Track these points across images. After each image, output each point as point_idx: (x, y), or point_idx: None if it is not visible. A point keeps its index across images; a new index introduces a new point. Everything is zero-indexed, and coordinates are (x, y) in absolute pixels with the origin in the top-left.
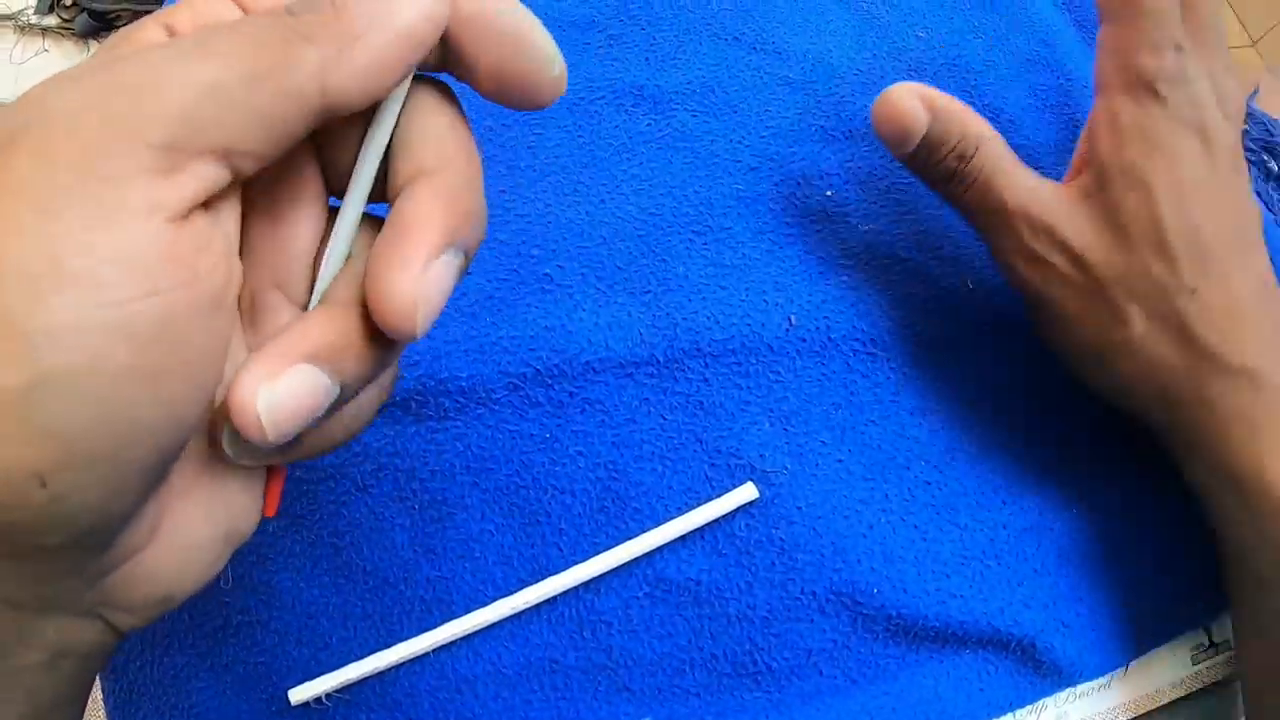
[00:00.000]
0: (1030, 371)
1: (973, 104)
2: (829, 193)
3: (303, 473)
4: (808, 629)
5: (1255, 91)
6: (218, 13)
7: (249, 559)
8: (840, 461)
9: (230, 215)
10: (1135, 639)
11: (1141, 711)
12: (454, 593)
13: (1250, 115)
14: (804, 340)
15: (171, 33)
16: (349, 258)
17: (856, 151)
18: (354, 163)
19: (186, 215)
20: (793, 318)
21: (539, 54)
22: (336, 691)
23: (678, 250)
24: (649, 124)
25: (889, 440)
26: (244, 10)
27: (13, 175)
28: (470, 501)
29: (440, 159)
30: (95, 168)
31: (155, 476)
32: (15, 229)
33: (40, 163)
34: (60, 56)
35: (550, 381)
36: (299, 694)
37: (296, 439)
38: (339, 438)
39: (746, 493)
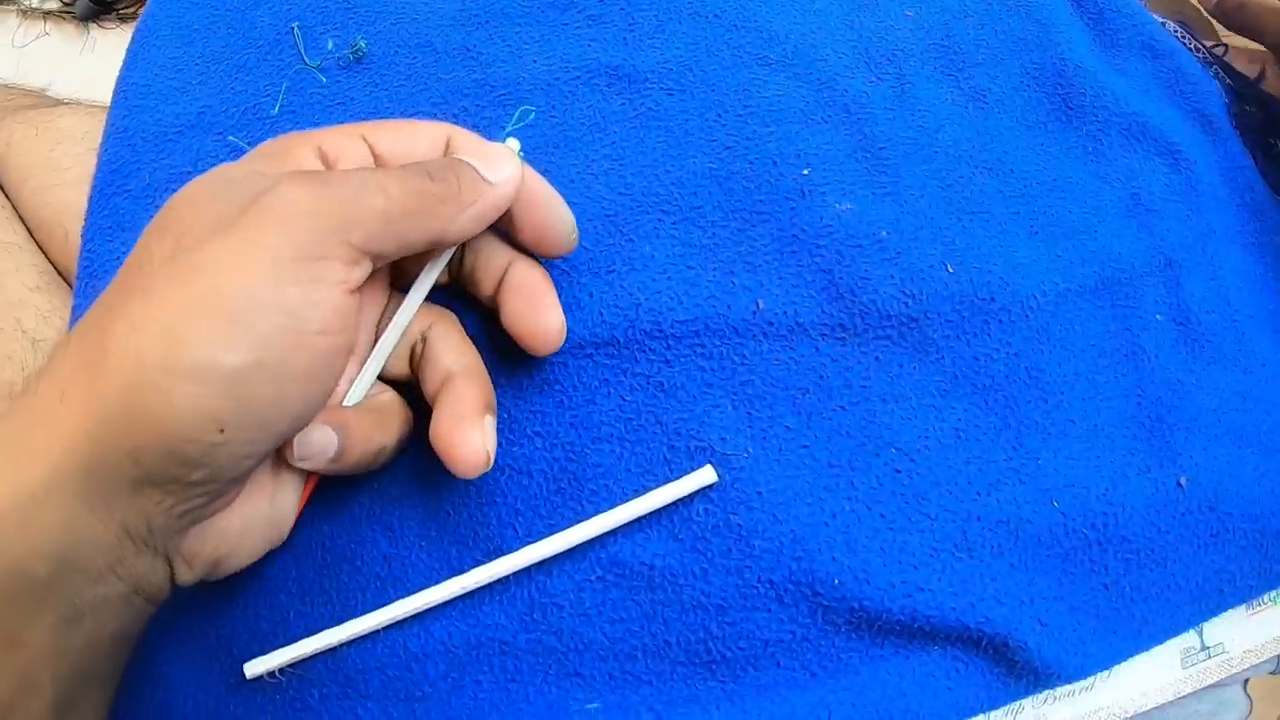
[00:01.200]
0: (1011, 359)
1: (958, 85)
2: (805, 171)
3: None
4: (765, 618)
5: (1262, 75)
6: (354, 148)
7: None
8: (805, 447)
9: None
10: (1119, 642)
11: (1127, 716)
12: (409, 570)
13: (1254, 97)
14: (771, 324)
15: (323, 156)
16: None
17: (836, 132)
18: (415, 272)
19: (353, 291)
20: (760, 301)
21: (563, 223)
22: (290, 666)
23: (645, 229)
24: (623, 103)
25: (858, 427)
26: (372, 150)
27: (260, 233)
28: (428, 480)
29: (463, 362)
30: (314, 248)
31: (271, 452)
32: (255, 271)
33: (281, 233)
34: (61, 39)
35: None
36: (253, 668)
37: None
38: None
39: (705, 476)
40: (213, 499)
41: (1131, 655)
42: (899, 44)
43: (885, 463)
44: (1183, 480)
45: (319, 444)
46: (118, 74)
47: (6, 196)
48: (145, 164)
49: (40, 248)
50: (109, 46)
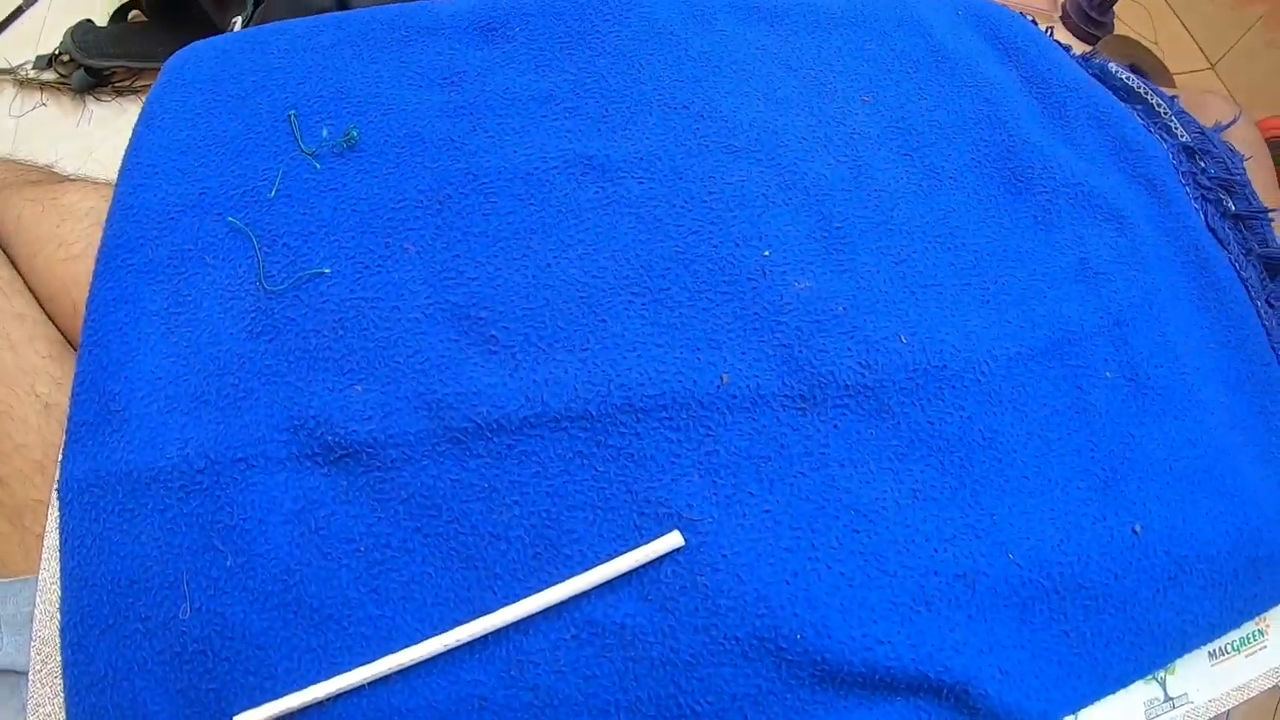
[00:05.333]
0: (965, 421)
1: (913, 164)
2: (767, 253)
3: (260, 515)
4: (731, 673)
5: (1226, 124)
6: None
7: (206, 591)
8: (768, 511)
9: None
10: (1084, 685)
11: None
12: (394, 630)
13: (1208, 153)
14: (735, 396)
15: None
16: None
17: (796, 214)
18: None
19: None
20: (725, 376)
21: None
22: (279, 719)
23: (616, 310)
24: (597, 191)
25: (817, 491)
26: None
27: None
28: (413, 545)
29: None
30: None
31: None
32: None
33: None
34: (57, 111)
35: (490, 435)
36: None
37: None
38: None
39: (672, 540)
40: None
41: (1099, 698)
42: (857, 127)
43: (844, 524)
44: (1137, 527)
45: None
46: (125, 152)
47: (18, 270)
48: (149, 240)
49: (51, 319)
50: (104, 117)
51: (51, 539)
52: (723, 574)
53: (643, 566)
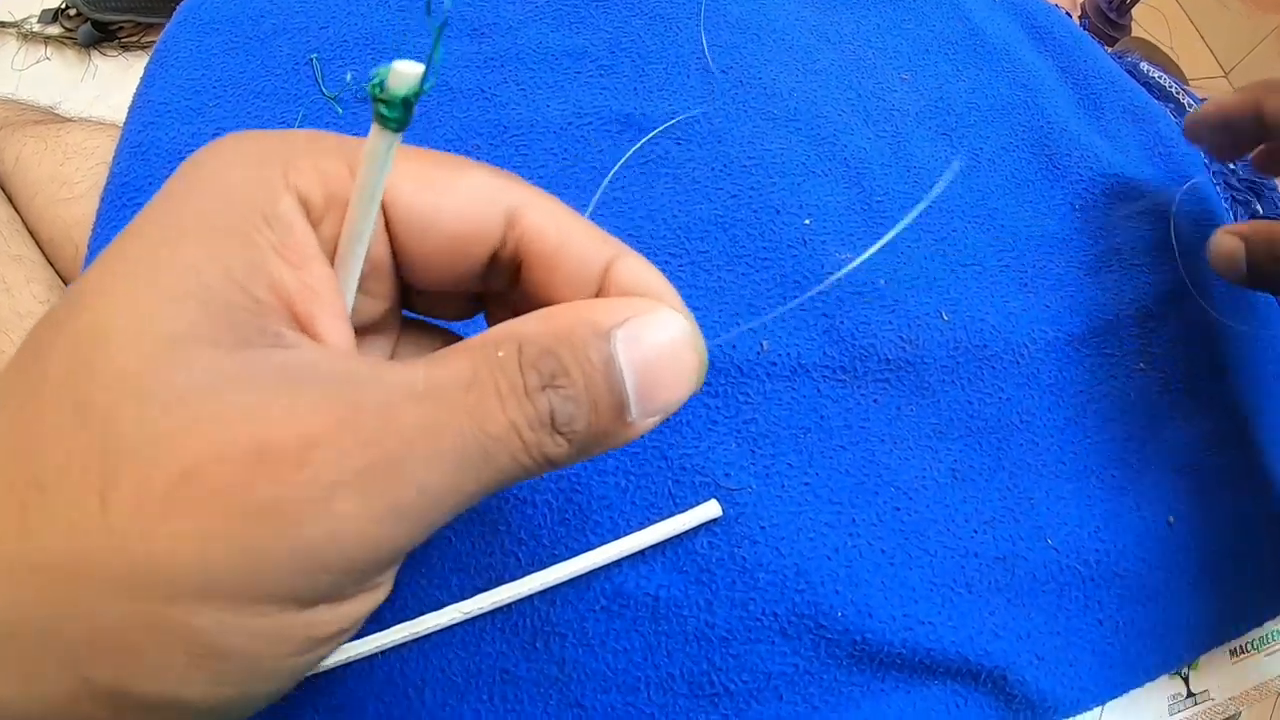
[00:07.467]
0: (1004, 404)
1: (951, 144)
2: (807, 221)
3: None
4: (768, 651)
5: None
6: (345, 182)
7: None
8: (807, 484)
9: None
10: (1115, 676)
11: None
12: (408, 598)
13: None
14: (775, 364)
15: (305, 201)
16: None
17: (835, 186)
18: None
19: None
20: (765, 342)
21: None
22: None
23: None
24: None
25: (858, 466)
26: (386, 206)
27: None
28: None
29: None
30: None
31: None
32: None
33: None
34: (61, 65)
35: None
36: None
37: None
38: None
39: (709, 510)
40: None
41: (1127, 690)
42: (895, 104)
43: (885, 500)
44: (1171, 519)
45: None
46: (135, 91)
47: (16, 210)
48: (157, 179)
49: (50, 261)
50: (109, 72)
51: None
52: (762, 547)
53: (677, 537)
